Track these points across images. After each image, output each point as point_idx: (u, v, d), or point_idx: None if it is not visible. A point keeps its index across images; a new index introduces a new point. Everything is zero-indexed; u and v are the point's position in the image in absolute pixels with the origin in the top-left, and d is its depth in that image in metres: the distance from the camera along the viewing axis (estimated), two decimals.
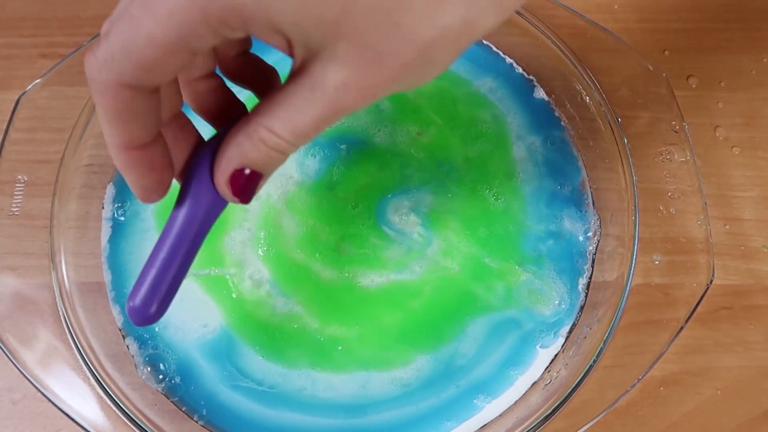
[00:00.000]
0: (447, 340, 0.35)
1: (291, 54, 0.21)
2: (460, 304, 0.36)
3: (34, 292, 0.35)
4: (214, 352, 0.34)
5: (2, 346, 0.32)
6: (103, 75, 0.19)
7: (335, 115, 0.21)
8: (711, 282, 0.33)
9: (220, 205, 0.24)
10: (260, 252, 0.36)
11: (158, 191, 0.23)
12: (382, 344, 0.35)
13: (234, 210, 0.37)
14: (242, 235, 0.37)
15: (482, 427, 0.34)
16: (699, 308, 0.34)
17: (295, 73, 0.21)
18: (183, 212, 0.23)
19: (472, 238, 0.37)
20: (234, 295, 0.36)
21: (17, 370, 0.32)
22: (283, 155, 0.22)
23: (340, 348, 0.35)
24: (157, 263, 0.23)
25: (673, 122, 0.38)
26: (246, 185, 0.23)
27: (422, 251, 0.37)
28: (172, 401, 0.34)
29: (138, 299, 0.23)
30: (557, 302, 0.36)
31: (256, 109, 0.22)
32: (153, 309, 0.23)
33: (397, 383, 0.34)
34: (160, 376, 0.34)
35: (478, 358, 0.35)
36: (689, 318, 0.33)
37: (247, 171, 0.22)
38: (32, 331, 0.34)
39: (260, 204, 0.37)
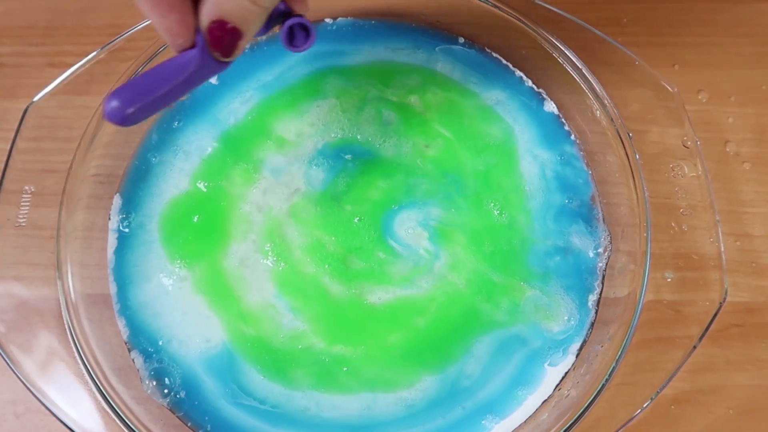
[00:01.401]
0: (452, 359, 0.35)
1: None
2: (466, 321, 0.35)
3: (40, 302, 0.35)
4: (216, 369, 0.34)
5: (6, 358, 0.32)
6: None
7: None
8: (724, 300, 0.33)
9: (212, 62, 0.25)
10: (267, 263, 0.36)
11: (182, 34, 0.24)
12: (387, 364, 0.34)
13: (238, 222, 0.37)
14: (246, 247, 0.36)
15: None
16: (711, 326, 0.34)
17: None
18: (183, 56, 0.24)
19: (478, 254, 0.36)
20: (238, 310, 0.35)
21: (21, 383, 0.32)
22: (257, 7, 0.23)
23: (345, 369, 0.34)
24: (149, 81, 0.24)
25: (684, 137, 0.38)
26: (223, 38, 0.23)
27: (429, 266, 0.36)
28: (177, 416, 0.33)
29: (120, 98, 0.23)
30: (566, 318, 0.36)
31: None
32: (129, 111, 0.23)
33: (402, 404, 0.34)
34: (165, 390, 0.34)
35: (483, 378, 0.34)
36: (702, 336, 0.33)
37: (228, 25, 0.23)
38: (37, 342, 0.34)
39: (263, 215, 0.37)
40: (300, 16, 0.27)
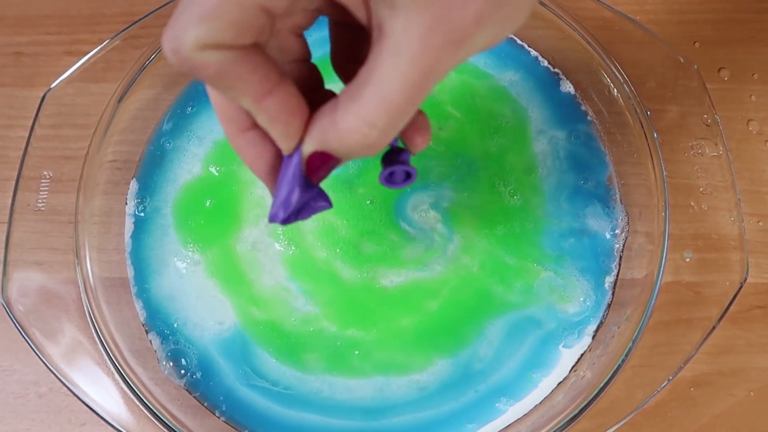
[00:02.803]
0: (465, 343, 0.34)
1: (368, 17, 0.19)
2: (479, 304, 0.35)
3: (59, 287, 0.35)
4: (229, 351, 0.34)
5: (29, 341, 0.33)
6: (186, 42, 0.18)
7: (426, 76, 0.19)
8: (745, 280, 0.32)
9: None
10: (279, 247, 0.36)
11: (295, 136, 0.21)
12: (399, 348, 0.34)
13: (250, 206, 0.37)
14: (259, 231, 0.36)
15: (506, 427, 0.33)
16: (731, 307, 0.33)
17: (376, 43, 0.19)
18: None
19: (491, 236, 0.36)
20: (250, 294, 0.35)
21: (43, 365, 0.32)
22: (371, 150, 0.20)
23: (357, 352, 0.34)
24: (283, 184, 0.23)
25: (705, 115, 0.37)
26: (320, 168, 0.21)
27: (442, 248, 0.36)
28: (194, 396, 0.34)
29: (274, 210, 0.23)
30: (582, 299, 0.35)
31: (344, 92, 0.20)
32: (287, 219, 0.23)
33: (415, 387, 0.34)
34: (182, 371, 0.34)
35: (496, 361, 0.34)
36: (722, 317, 0.32)
37: (330, 159, 0.21)
38: (58, 325, 0.34)
39: None
40: (406, 152, 0.25)
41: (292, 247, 0.36)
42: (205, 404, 0.34)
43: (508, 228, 0.36)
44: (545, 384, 0.34)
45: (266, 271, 0.36)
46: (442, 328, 0.35)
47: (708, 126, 0.37)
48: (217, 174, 0.38)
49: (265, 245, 0.36)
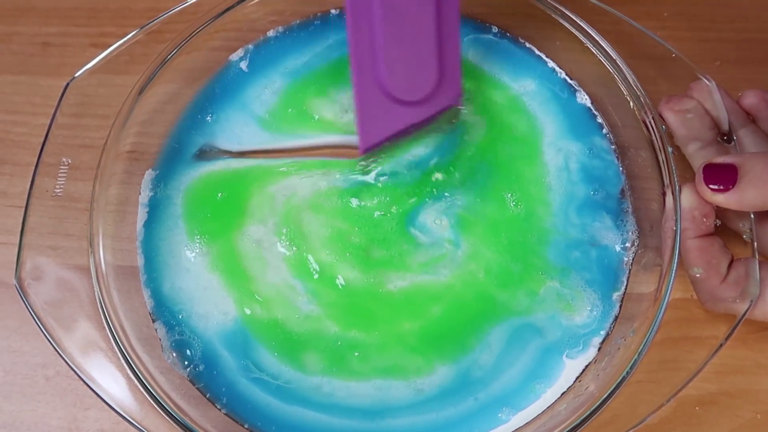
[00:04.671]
0: (467, 349, 0.34)
1: None
2: (482, 310, 0.35)
3: (72, 273, 0.36)
4: (232, 343, 0.35)
5: (39, 324, 0.33)
6: None
7: None
8: (754, 299, 0.32)
9: None
10: (283, 247, 0.36)
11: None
12: (400, 352, 0.34)
13: (259, 204, 0.37)
14: (265, 230, 0.37)
15: None
16: (741, 327, 0.32)
17: None
18: None
19: (498, 244, 0.36)
20: (250, 291, 0.36)
21: (52, 348, 0.33)
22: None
23: (356, 354, 0.34)
24: None
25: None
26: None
27: (449, 255, 0.36)
28: (197, 387, 0.34)
29: None
30: (589, 310, 0.35)
31: None
32: None
33: (414, 392, 0.34)
34: (186, 362, 0.34)
35: (497, 369, 0.34)
36: (729, 336, 0.32)
37: None
38: (69, 311, 0.35)
39: (286, 200, 0.37)
40: None
41: (294, 248, 0.36)
42: (207, 396, 0.34)
43: (516, 237, 0.36)
44: (549, 395, 0.34)
45: (269, 269, 0.36)
46: (445, 333, 0.35)
47: (724, 143, 0.36)
48: (231, 170, 0.38)
49: (269, 244, 0.36)
